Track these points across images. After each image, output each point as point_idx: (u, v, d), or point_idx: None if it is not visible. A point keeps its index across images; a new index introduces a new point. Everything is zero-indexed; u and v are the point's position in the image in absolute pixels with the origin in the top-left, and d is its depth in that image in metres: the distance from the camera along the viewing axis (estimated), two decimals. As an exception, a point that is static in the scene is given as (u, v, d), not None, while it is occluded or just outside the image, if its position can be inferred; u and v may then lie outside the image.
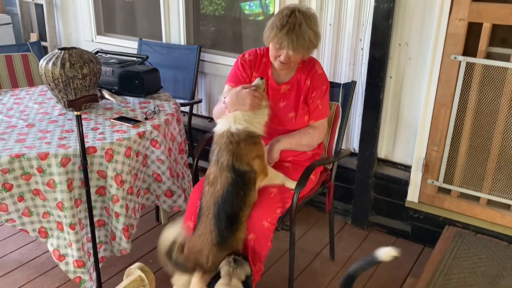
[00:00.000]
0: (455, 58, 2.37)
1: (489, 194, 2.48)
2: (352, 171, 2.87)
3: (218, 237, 1.92)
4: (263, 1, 3.25)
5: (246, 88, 2.00)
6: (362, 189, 2.85)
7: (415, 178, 2.66)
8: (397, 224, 2.84)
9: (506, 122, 2.35)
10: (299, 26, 1.97)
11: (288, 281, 2.25)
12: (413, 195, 2.70)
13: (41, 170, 1.95)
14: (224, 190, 1.92)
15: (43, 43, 4.03)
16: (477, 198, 2.54)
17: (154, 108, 2.42)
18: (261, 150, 2.00)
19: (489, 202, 2.52)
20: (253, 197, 1.98)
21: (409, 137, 2.68)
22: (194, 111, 3.49)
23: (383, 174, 2.79)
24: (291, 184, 2.10)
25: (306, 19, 2.00)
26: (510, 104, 2.32)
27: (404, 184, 2.73)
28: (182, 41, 3.42)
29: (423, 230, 2.74)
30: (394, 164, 2.80)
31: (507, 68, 2.27)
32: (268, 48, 2.16)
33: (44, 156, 1.94)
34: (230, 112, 2.01)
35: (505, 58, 2.29)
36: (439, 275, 2.17)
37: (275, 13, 2.08)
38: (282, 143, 2.18)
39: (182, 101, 3.20)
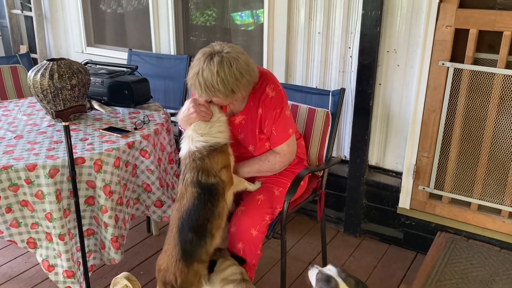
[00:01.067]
0: (443, 64, 2.39)
1: (479, 199, 2.49)
2: (344, 179, 2.87)
3: (181, 250, 1.86)
4: (254, 12, 3.27)
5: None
6: (354, 197, 2.85)
7: (406, 185, 2.67)
8: (390, 231, 2.84)
9: (494, 127, 2.36)
10: (201, 74, 1.83)
11: (280, 290, 2.24)
12: (404, 202, 2.70)
13: (29, 182, 1.93)
14: (190, 204, 1.88)
15: (33, 55, 4.03)
16: (468, 204, 2.54)
17: (144, 118, 2.42)
18: (227, 160, 1.95)
19: (480, 207, 2.52)
20: (222, 207, 1.93)
21: (400, 144, 2.69)
22: (185, 121, 3.48)
23: (374, 181, 2.79)
24: (253, 187, 2.09)
25: (211, 66, 1.82)
26: (498, 109, 2.33)
27: (395, 191, 2.73)
28: (172, 52, 3.43)
29: (416, 236, 2.74)
30: (385, 171, 2.80)
31: (494, 74, 2.28)
32: None
33: (32, 168, 1.93)
34: (185, 131, 1.98)
35: (492, 63, 2.31)
36: (432, 281, 2.16)
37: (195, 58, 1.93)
38: (240, 174, 2.12)
39: (172, 111, 3.19)
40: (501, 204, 2.43)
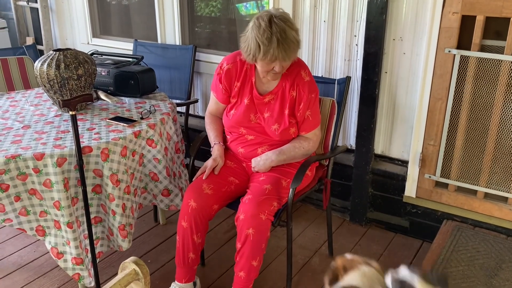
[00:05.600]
0: (449, 51, 2.37)
1: (486, 187, 2.48)
2: (350, 168, 2.87)
3: None
4: (259, 2, 3.25)
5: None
6: (360, 186, 2.85)
7: (412, 173, 2.66)
8: (396, 220, 2.84)
9: (501, 114, 2.35)
10: (284, 33, 1.91)
11: (286, 278, 2.25)
12: (410, 190, 2.70)
13: (37, 170, 1.95)
14: None
15: (39, 47, 4.04)
16: (474, 192, 2.54)
17: (150, 108, 2.43)
18: None
19: (487, 195, 2.52)
20: None
21: (406, 132, 2.68)
22: (191, 111, 3.50)
23: (380, 170, 2.79)
24: None
25: (285, 22, 1.94)
26: (505, 97, 2.32)
27: (401, 180, 2.73)
28: (177, 42, 3.43)
29: (422, 225, 2.74)
30: (391, 160, 2.80)
31: (501, 61, 2.27)
32: None
33: (40, 157, 1.95)
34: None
35: (499, 50, 2.29)
36: (438, 269, 2.17)
37: (251, 27, 1.98)
38: (275, 161, 2.16)
39: (178, 101, 3.20)
40: (508, 192, 2.43)
